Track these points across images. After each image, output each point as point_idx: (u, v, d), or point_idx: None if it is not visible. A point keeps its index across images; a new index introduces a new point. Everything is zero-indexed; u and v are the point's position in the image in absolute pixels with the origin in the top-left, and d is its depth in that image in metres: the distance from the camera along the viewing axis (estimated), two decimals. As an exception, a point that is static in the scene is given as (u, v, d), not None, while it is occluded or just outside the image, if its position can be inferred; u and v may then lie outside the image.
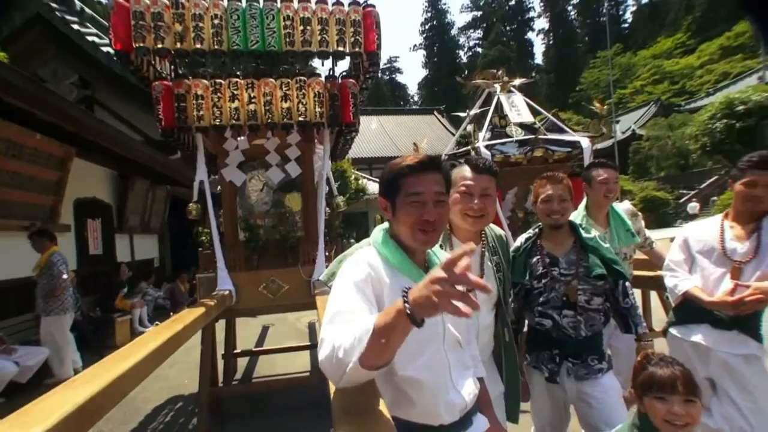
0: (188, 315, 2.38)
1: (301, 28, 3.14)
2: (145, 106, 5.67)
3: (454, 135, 4.23)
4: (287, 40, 3.12)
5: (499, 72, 4.88)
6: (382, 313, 0.90)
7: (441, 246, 1.55)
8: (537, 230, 1.99)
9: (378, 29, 3.32)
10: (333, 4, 3.21)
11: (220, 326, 3.99)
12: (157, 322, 6.74)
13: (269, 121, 3.20)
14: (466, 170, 1.58)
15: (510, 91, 4.81)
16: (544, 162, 4.41)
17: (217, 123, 3.13)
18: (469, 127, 4.16)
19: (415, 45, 71.41)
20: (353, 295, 1.04)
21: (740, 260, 1.91)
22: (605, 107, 4.27)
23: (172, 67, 3.38)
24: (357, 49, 3.26)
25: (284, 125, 3.27)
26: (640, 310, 1.99)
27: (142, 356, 1.62)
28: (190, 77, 3.10)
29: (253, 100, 3.19)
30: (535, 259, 1.93)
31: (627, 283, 1.90)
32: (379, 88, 66.68)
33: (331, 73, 3.43)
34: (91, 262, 6.62)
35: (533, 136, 4.31)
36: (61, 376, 4.33)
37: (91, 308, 6.13)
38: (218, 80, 3.15)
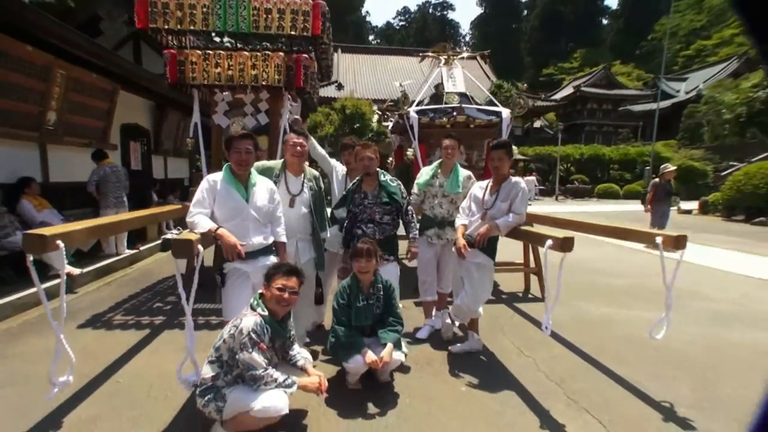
0: (169, 207, 3.94)
1: (265, 16, 4.33)
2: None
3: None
4: (254, 24, 4.34)
5: (447, 47, 5.83)
6: (207, 228, 2.34)
7: (277, 175, 2.94)
8: (361, 176, 3.30)
9: (324, 17, 4.44)
10: (288, -2, 4.34)
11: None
12: (179, 228, 8.64)
13: (242, 83, 4.52)
14: (293, 136, 3.01)
15: (454, 64, 5.79)
16: (467, 127, 5.49)
17: (206, 83, 4.49)
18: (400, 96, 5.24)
19: (470, -23, 66.46)
20: (204, 193, 2.47)
21: (486, 208, 3.13)
22: (524, 85, 5.19)
23: (174, 41, 4.67)
24: (306, 33, 4.42)
25: (253, 87, 4.58)
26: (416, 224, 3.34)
27: (132, 217, 3.14)
28: (187, 48, 4.43)
29: (230, 68, 4.49)
30: (357, 194, 3.25)
31: (410, 207, 3.24)
32: (426, 26, 64.12)
33: (287, 49, 4.62)
34: (133, 176, 8.41)
35: (458, 105, 5.35)
36: (108, 252, 6.22)
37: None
38: (207, 51, 4.46)
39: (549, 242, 2.45)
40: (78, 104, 6.03)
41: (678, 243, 2.33)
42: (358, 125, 18.40)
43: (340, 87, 26.96)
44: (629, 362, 3.14)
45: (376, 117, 19.70)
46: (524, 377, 2.88)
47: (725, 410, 2.48)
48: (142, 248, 6.84)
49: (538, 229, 2.82)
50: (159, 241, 7.78)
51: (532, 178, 24.26)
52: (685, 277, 5.73)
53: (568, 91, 39.39)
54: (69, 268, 4.92)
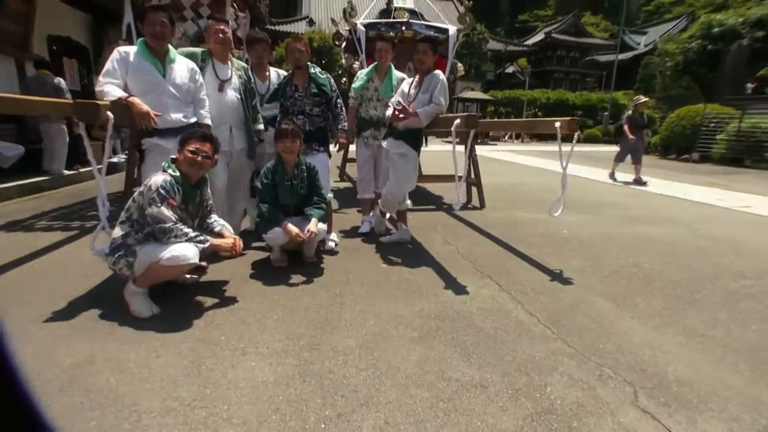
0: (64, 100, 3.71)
1: None
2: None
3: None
4: None
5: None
6: (117, 97, 2.26)
7: (204, 60, 2.85)
8: (292, 70, 3.25)
9: None
10: None
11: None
12: (127, 152, 8.26)
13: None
14: (213, 22, 2.91)
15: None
16: (414, 42, 5.40)
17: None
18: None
19: None
20: (115, 63, 2.38)
21: (410, 101, 3.20)
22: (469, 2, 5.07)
23: None
24: None
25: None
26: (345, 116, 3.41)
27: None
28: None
29: (161, -41, 4.15)
30: (288, 88, 3.23)
31: (339, 101, 3.29)
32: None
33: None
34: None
35: (406, 20, 5.23)
36: (48, 167, 5.90)
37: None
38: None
39: (457, 122, 2.69)
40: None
41: (570, 126, 2.57)
42: (325, 60, 17.64)
43: (311, 23, 25.39)
44: (538, 247, 3.47)
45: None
46: (442, 257, 3.11)
47: (599, 272, 2.95)
48: (82, 170, 6.53)
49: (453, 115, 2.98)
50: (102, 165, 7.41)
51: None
52: (612, 195, 6.30)
53: (539, 37, 40.57)
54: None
